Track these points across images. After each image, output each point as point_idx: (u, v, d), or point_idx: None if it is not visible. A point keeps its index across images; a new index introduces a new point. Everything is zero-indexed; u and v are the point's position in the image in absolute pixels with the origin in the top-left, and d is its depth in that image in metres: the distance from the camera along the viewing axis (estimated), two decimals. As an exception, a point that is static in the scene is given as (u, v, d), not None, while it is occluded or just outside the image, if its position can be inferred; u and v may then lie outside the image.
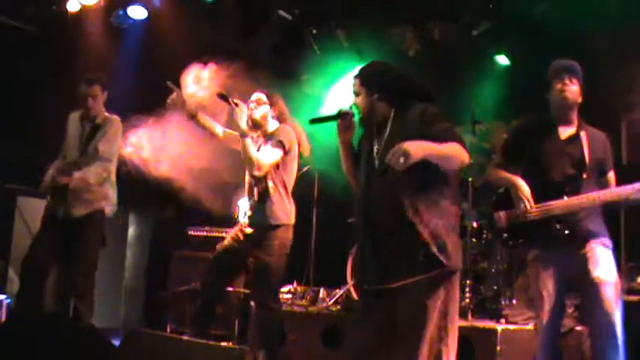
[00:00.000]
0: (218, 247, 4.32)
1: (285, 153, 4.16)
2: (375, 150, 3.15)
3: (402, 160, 2.80)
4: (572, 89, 3.57)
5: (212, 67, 4.69)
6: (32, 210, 5.87)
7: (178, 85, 4.20)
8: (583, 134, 3.57)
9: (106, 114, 4.76)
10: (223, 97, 4.12)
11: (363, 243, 3.13)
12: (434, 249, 2.91)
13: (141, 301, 7.10)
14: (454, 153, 2.95)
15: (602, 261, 3.41)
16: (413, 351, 2.90)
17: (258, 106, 4.27)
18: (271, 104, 4.31)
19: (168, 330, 5.71)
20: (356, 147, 3.31)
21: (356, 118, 3.20)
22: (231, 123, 4.30)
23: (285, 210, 4.16)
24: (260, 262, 4.08)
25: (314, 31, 6.84)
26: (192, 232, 6.14)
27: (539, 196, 3.52)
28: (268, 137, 4.23)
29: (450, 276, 2.98)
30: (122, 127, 4.73)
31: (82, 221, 4.55)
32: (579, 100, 3.60)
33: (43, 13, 6.98)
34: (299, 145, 4.27)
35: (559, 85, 3.57)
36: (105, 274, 5.26)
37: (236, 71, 4.73)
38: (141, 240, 7.21)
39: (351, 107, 3.21)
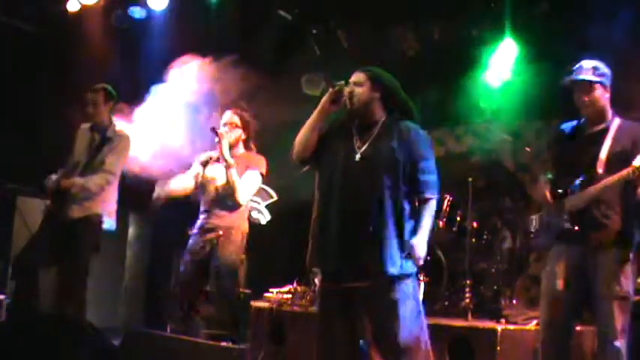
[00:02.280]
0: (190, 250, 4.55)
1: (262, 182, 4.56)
2: (357, 144, 3.22)
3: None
4: (594, 97, 3.53)
5: (200, 62, 4.76)
6: (32, 210, 5.87)
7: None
8: (613, 127, 3.52)
9: (117, 128, 4.76)
10: (214, 130, 4.36)
11: (329, 232, 3.16)
12: (408, 250, 3.09)
13: (141, 301, 7.09)
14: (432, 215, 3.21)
15: (612, 275, 3.37)
16: (402, 345, 3.00)
17: (231, 130, 4.47)
18: (243, 127, 4.53)
19: (168, 330, 5.71)
20: (327, 127, 3.36)
21: (346, 102, 3.25)
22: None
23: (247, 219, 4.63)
24: (233, 261, 4.44)
25: (314, 31, 6.83)
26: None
27: (564, 194, 3.53)
28: (245, 164, 4.46)
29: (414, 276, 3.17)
30: (131, 144, 4.76)
31: (78, 223, 4.56)
32: (605, 98, 3.55)
33: (43, 13, 6.98)
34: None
35: (579, 102, 3.56)
36: (105, 274, 5.27)
37: (229, 67, 4.78)
38: (141, 240, 7.21)
39: (349, 91, 3.25)
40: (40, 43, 7.00)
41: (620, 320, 3.33)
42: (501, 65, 6.24)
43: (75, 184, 4.54)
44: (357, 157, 3.19)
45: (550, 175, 3.76)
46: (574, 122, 3.73)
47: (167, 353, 2.99)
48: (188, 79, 4.95)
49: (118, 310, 6.84)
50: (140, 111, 5.07)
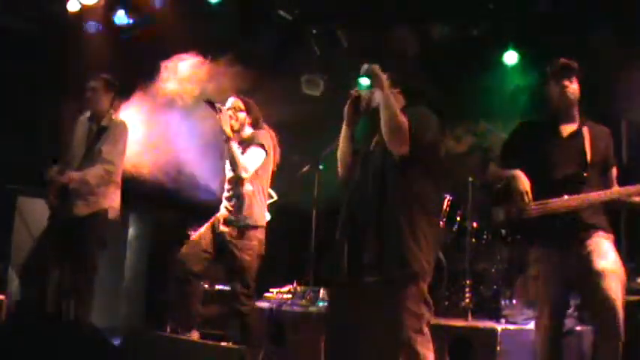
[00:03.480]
0: (190, 240, 4.57)
1: (267, 155, 4.41)
2: (372, 147, 3.20)
3: (368, 69, 3.03)
4: (573, 88, 3.57)
5: (199, 61, 4.78)
6: (32, 210, 5.87)
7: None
8: (585, 130, 3.55)
9: (113, 117, 4.74)
10: (210, 103, 4.32)
11: (343, 234, 3.15)
12: (409, 252, 3.03)
13: (141, 301, 7.09)
14: (398, 119, 3.03)
15: (606, 252, 3.37)
16: (399, 343, 2.99)
17: (235, 113, 4.47)
18: (247, 110, 4.52)
19: (168, 330, 5.71)
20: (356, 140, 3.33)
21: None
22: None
23: (262, 212, 4.46)
24: (238, 260, 4.32)
25: (314, 31, 6.84)
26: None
27: (541, 195, 3.49)
28: (246, 142, 4.44)
29: (415, 278, 3.10)
30: (128, 131, 4.74)
31: (85, 221, 4.55)
32: (578, 96, 3.59)
33: (43, 13, 6.98)
34: (274, 149, 4.50)
35: (560, 86, 3.56)
36: (105, 274, 5.26)
37: (228, 66, 4.79)
38: (141, 240, 7.20)
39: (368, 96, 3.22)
40: (40, 43, 7.00)
41: (618, 298, 3.33)
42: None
43: (73, 178, 4.52)
44: (370, 151, 3.19)
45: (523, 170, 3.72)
46: (539, 119, 3.75)
47: (167, 353, 2.99)
48: (186, 77, 4.94)
49: (118, 310, 6.83)
50: (136, 110, 5.08)
